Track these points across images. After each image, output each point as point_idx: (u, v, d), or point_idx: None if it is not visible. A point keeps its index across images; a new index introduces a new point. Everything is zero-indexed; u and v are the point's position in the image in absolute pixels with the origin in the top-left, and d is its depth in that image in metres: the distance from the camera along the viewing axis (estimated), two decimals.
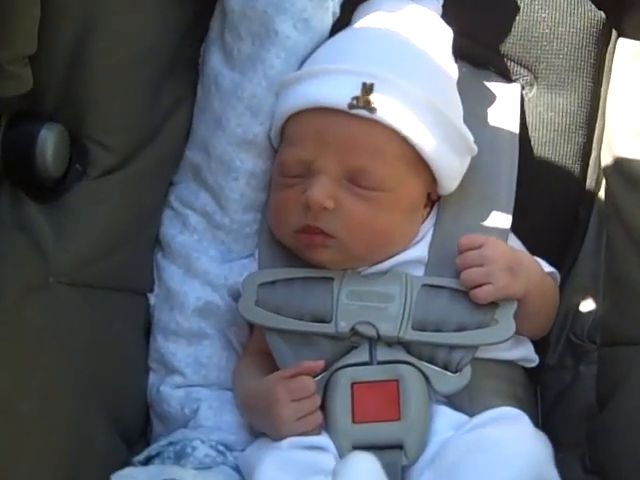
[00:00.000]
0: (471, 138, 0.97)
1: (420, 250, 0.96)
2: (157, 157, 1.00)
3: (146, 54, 0.97)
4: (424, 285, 0.93)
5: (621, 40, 1.05)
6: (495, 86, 1.08)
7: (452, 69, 1.02)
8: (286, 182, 0.95)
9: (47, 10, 0.87)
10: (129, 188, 0.97)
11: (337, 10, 1.02)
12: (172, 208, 1.05)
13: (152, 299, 1.03)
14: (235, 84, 1.01)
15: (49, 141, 0.88)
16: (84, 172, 0.93)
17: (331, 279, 0.94)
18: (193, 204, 1.04)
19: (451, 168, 0.96)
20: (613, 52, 1.06)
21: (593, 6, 1.07)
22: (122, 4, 0.93)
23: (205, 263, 1.01)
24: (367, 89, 0.91)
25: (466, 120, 0.99)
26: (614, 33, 1.07)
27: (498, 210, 0.99)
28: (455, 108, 0.98)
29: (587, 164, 1.07)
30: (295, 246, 0.95)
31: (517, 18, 1.08)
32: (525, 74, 1.08)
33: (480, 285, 0.90)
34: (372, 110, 0.90)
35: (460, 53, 1.05)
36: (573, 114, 1.07)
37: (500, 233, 0.97)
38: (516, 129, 1.05)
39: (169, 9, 1.00)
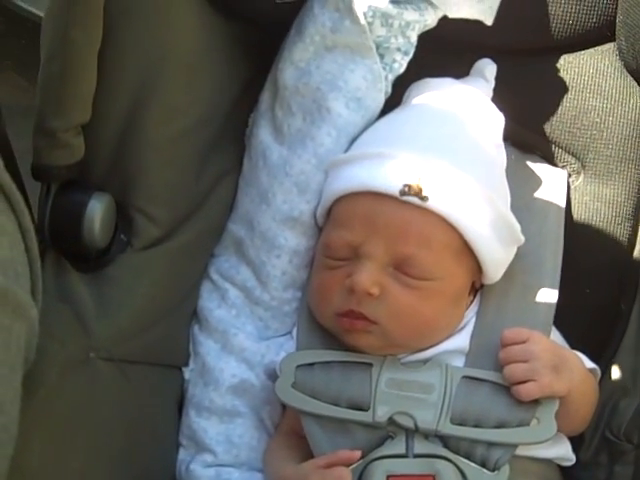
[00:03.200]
0: (519, 228, 0.95)
1: (462, 340, 0.95)
2: (200, 230, 1.00)
3: (196, 127, 0.96)
4: (464, 377, 0.91)
5: None
6: (542, 172, 1.07)
7: (502, 155, 1.01)
8: (330, 264, 0.94)
9: (102, 80, 0.87)
10: (171, 261, 0.96)
11: (389, 89, 1.01)
12: (211, 281, 1.04)
13: (187, 373, 1.02)
14: (283, 159, 1.00)
15: (97, 211, 0.88)
16: (128, 243, 0.93)
17: (370, 365, 0.93)
18: (233, 278, 1.03)
19: (497, 258, 0.95)
20: None
21: None
22: (178, 78, 0.93)
23: (242, 340, 1.00)
24: (418, 180, 0.90)
25: (512, 207, 0.98)
26: None
27: (541, 301, 0.98)
28: (504, 197, 0.97)
29: (631, 257, 1.06)
30: (335, 329, 0.94)
31: (567, 105, 1.07)
32: (572, 162, 1.08)
33: (523, 382, 0.88)
34: (424, 198, 0.89)
35: (508, 136, 1.05)
36: (620, 205, 1.06)
37: (543, 326, 0.96)
38: (562, 218, 1.04)
39: (221, 82, 1.00)
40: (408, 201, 0.90)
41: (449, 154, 0.93)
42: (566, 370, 0.90)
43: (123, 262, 0.93)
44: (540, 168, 1.08)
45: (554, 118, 1.07)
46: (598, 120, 1.06)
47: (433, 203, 0.90)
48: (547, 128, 1.08)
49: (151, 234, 0.94)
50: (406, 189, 0.90)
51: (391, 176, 0.91)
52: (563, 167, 1.08)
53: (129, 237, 0.93)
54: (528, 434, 0.88)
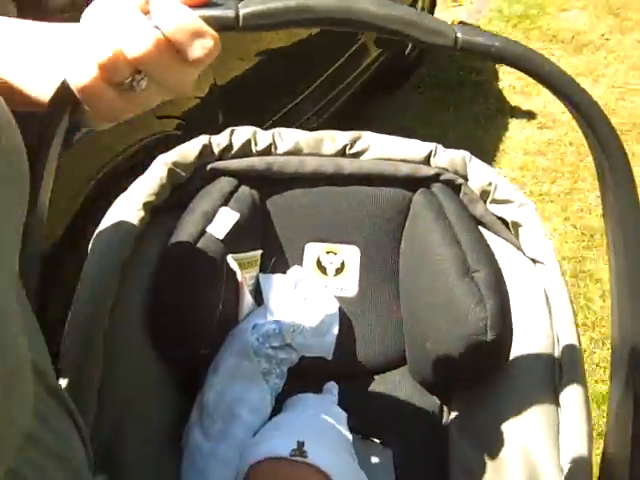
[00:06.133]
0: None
1: None
2: None
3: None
4: None
5: None
6: None
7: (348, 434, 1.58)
8: None
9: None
10: None
11: (273, 402, 1.60)
12: None
13: None
14: (212, 452, 1.52)
15: None
16: None
17: None
18: None
19: None
20: None
21: None
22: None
23: None
24: (300, 444, 1.45)
25: None
26: None
27: None
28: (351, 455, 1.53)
29: None
30: None
31: (385, 405, 1.69)
32: None
33: None
34: (305, 456, 1.43)
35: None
36: None
37: None
38: None
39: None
40: (295, 460, 1.43)
41: (318, 432, 1.50)
42: None
43: None
44: None
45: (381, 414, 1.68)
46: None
47: (311, 459, 1.43)
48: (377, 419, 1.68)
49: None
50: (293, 452, 1.44)
51: (283, 445, 1.45)
52: None
53: None
54: None
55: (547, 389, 1.43)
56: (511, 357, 1.51)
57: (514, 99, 4.72)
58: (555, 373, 1.44)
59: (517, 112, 4.69)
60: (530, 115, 4.71)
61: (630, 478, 1.17)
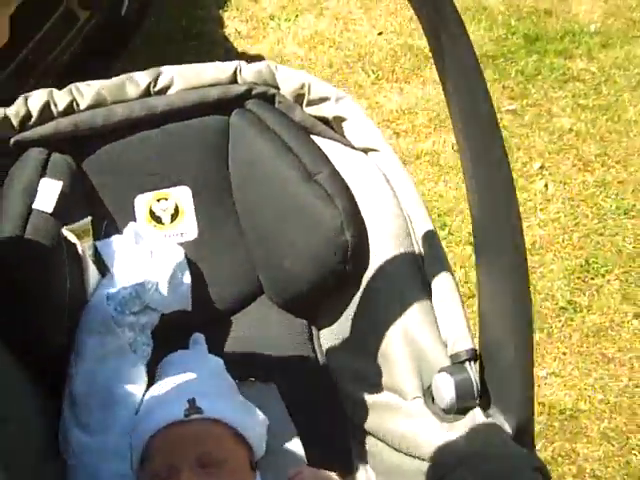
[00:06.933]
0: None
1: None
2: None
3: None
4: None
5: None
6: None
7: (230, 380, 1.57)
8: None
9: None
10: None
11: (146, 369, 1.54)
12: None
13: None
14: (96, 446, 1.42)
15: None
16: None
17: None
18: None
19: (258, 439, 1.47)
20: None
21: None
22: None
23: None
24: (191, 402, 1.39)
25: None
26: None
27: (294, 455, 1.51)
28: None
29: None
30: None
31: (251, 341, 1.69)
32: None
33: None
34: (200, 412, 1.38)
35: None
36: None
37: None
38: None
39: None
40: (193, 418, 1.37)
41: (206, 387, 1.47)
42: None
43: None
44: None
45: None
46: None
47: (208, 413, 1.38)
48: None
49: None
50: (187, 412, 1.37)
51: (174, 409, 1.39)
52: None
53: None
54: None
55: (413, 273, 1.47)
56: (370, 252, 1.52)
57: (241, 44, 4.52)
58: (416, 255, 1.48)
59: (245, 57, 4.46)
60: (259, 58, 4.57)
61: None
